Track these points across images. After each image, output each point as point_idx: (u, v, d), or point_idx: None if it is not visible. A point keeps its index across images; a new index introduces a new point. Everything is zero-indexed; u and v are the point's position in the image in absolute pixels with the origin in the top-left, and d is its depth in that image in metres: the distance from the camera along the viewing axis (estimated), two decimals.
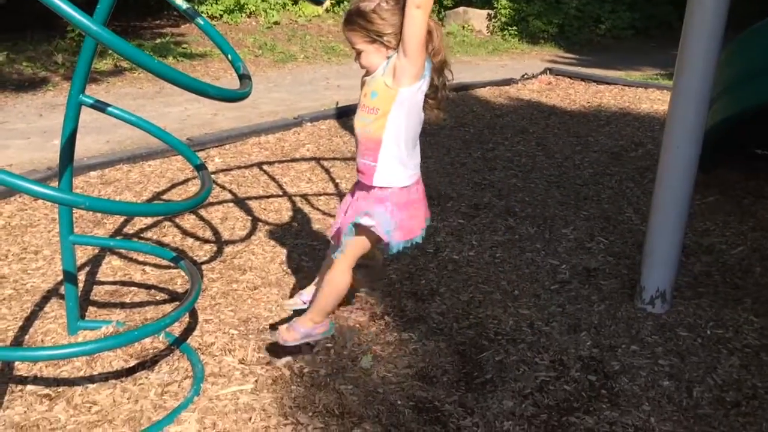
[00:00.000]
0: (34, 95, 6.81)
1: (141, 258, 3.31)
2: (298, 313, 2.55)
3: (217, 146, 5.17)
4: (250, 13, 11.54)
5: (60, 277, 3.03)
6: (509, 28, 13.80)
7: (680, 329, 2.84)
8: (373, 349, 2.61)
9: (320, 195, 4.30)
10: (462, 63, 10.35)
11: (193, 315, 2.81)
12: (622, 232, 3.85)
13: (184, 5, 2.23)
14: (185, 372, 2.44)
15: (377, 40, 2.09)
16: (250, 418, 2.20)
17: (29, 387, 2.32)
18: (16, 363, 2.43)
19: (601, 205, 4.28)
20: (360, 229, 2.26)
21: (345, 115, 6.20)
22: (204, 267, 3.27)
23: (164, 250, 2.84)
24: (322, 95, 7.43)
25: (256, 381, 2.39)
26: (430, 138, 5.28)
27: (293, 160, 4.97)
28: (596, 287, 3.18)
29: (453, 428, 2.20)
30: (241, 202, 4.11)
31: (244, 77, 2.02)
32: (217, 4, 11.19)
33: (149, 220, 3.77)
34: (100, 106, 2.35)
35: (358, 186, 2.31)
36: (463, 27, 13.76)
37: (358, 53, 2.15)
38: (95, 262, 3.29)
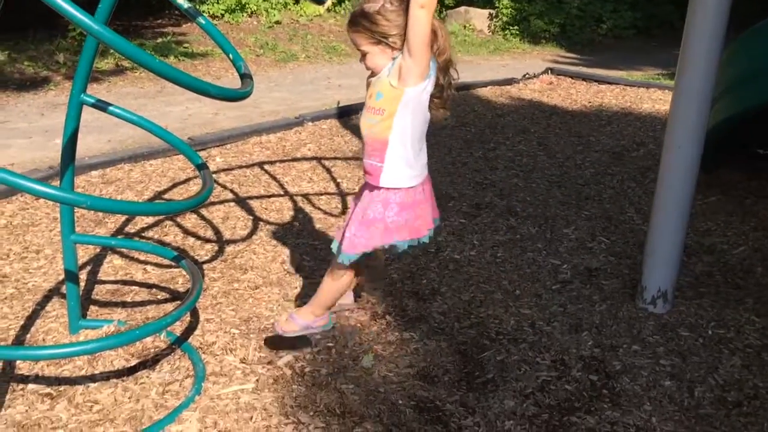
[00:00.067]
0: (35, 94, 6.82)
1: (142, 257, 3.31)
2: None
3: (218, 146, 5.17)
4: (252, 13, 11.54)
5: (61, 276, 3.03)
6: (511, 27, 13.79)
7: (682, 329, 2.84)
8: (374, 349, 2.61)
9: (321, 194, 4.30)
10: (463, 62, 10.35)
11: (195, 314, 2.81)
12: (624, 231, 3.85)
13: (186, 4, 2.23)
14: (186, 371, 2.44)
15: (382, 42, 2.09)
16: (251, 418, 2.20)
17: (31, 386, 2.32)
18: (18, 362, 2.44)
19: (603, 204, 4.27)
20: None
21: (346, 114, 6.21)
22: (205, 266, 3.27)
23: (165, 250, 2.84)
24: (324, 95, 7.43)
25: (257, 380, 2.39)
26: (431, 138, 5.22)
27: (294, 159, 4.97)
28: (598, 287, 3.18)
29: (454, 428, 2.20)
30: (242, 202, 4.11)
31: (245, 76, 2.02)
32: (218, 3, 11.18)
33: (150, 220, 3.77)
34: (101, 106, 2.35)
35: (365, 186, 2.30)
36: (465, 26, 13.76)
37: (364, 55, 2.15)
38: (97, 262, 3.29)
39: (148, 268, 3.24)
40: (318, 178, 4.59)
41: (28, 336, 2.65)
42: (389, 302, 2.95)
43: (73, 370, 2.41)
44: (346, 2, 13.05)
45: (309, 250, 3.48)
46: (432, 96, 2.16)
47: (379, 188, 2.21)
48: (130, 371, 2.42)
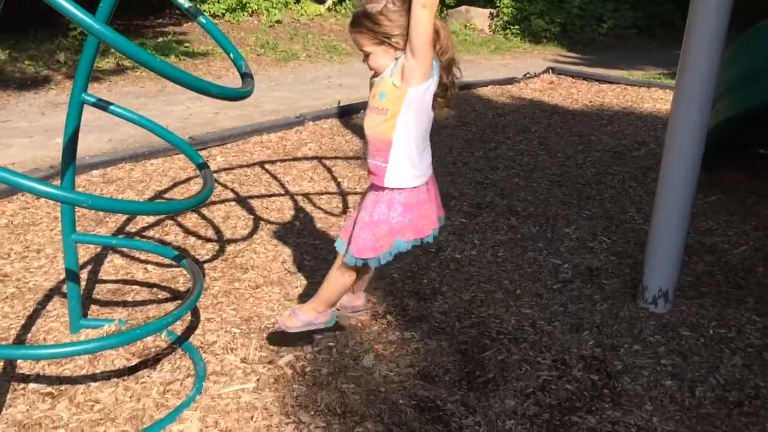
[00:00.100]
0: (36, 94, 6.82)
1: (143, 256, 3.31)
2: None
3: (219, 145, 5.17)
4: (252, 12, 11.54)
5: (62, 276, 3.03)
6: (511, 27, 13.78)
7: (683, 329, 2.83)
8: (375, 348, 2.61)
9: (322, 194, 4.30)
10: (464, 62, 10.23)
11: (195, 314, 2.81)
12: (625, 231, 3.85)
13: (187, 4, 2.23)
14: (187, 370, 2.44)
15: (385, 42, 2.09)
16: (252, 417, 2.20)
17: (32, 385, 2.33)
18: (19, 361, 2.44)
19: (604, 204, 4.27)
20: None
21: (347, 114, 6.21)
22: (206, 266, 3.27)
23: (166, 249, 2.85)
24: (324, 94, 7.43)
25: (257, 380, 2.39)
26: (432, 137, 5.24)
27: (295, 159, 4.97)
28: (599, 287, 3.18)
29: (455, 427, 2.20)
30: (243, 201, 4.11)
31: (245, 76, 2.02)
32: (219, 2, 11.19)
33: (151, 219, 3.77)
34: (102, 105, 2.35)
35: (370, 187, 2.30)
36: (466, 26, 13.76)
37: (367, 55, 2.15)
38: (97, 261, 3.29)
39: (149, 267, 3.25)
40: (319, 178, 4.59)
41: (29, 335, 2.66)
42: (390, 302, 2.95)
43: (74, 369, 2.41)
44: (347, 1, 13.05)
45: (310, 249, 3.48)
46: (436, 95, 2.16)
47: (383, 189, 2.20)
48: (131, 370, 2.42)
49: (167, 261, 3.10)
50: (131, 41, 1.55)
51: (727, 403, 2.37)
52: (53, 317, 2.77)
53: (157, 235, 3.61)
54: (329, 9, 12.82)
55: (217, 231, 3.69)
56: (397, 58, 2.10)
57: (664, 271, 2.92)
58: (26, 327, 2.70)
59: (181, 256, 2.64)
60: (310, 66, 9.55)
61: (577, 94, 7.68)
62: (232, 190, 4.28)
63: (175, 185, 4.34)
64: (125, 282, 3.11)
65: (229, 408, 2.24)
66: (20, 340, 2.62)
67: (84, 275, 3.09)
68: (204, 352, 2.55)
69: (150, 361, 2.48)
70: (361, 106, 6.28)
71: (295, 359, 2.51)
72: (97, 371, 2.41)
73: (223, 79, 8.04)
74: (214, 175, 4.40)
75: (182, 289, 3.05)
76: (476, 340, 2.70)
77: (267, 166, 4.76)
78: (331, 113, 6.19)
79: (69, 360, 2.44)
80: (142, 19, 10.65)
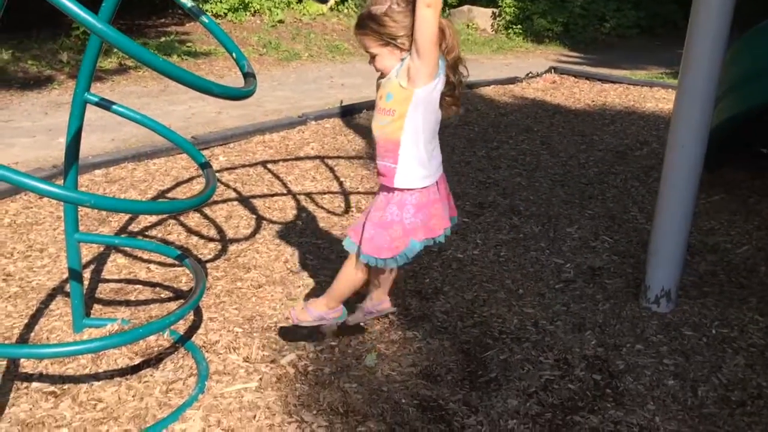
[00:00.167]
0: (39, 93, 6.83)
1: (146, 256, 3.32)
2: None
3: (221, 144, 5.18)
4: (255, 12, 11.55)
5: (65, 275, 3.04)
6: (514, 26, 13.78)
7: (685, 328, 2.83)
8: (377, 348, 2.61)
9: (324, 194, 4.30)
10: (466, 61, 10.31)
11: (198, 313, 2.81)
12: (627, 231, 3.85)
13: (189, 3, 2.23)
14: (190, 370, 2.44)
15: (390, 43, 2.09)
16: (255, 416, 2.20)
17: (35, 384, 2.33)
18: (22, 360, 2.44)
19: (606, 204, 4.27)
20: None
21: (349, 113, 6.21)
22: (208, 265, 3.27)
23: (169, 248, 2.85)
24: (327, 94, 7.43)
25: (260, 379, 2.39)
26: None
27: (297, 158, 4.98)
28: (601, 286, 3.18)
29: (457, 427, 2.20)
30: (245, 201, 4.12)
31: (248, 75, 2.02)
32: (221, 2, 11.19)
33: (154, 219, 3.78)
34: (105, 105, 2.35)
35: (381, 188, 2.30)
36: (468, 25, 13.75)
37: (373, 57, 2.15)
38: (100, 260, 3.30)
39: (152, 266, 3.25)
40: (321, 177, 4.59)
41: (32, 334, 2.66)
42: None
43: (77, 368, 2.42)
44: (349, 1, 13.05)
45: (312, 248, 3.48)
46: (443, 94, 2.16)
47: (394, 190, 2.21)
48: (134, 370, 2.43)
49: (170, 260, 3.10)
50: (134, 41, 1.55)
51: (730, 403, 2.37)
52: (56, 316, 2.78)
53: (159, 235, 3.62)
54: (331, 9, 12.82)
55: (220, 230, 3.69)
56: (403, 59, 2.10)
57: (667, 271, 2.92)
58: (29, 326, 2.71)
59: (183, 255, 2.65)
60: (313, 66, 9.56)
61: (579, 93, 7.68)
62: (235, 190, 4.28)
63: (178, 185, 4.34)
64: (128, 281, 3.11)
65: (232, 407, 2.24)
66: (23, 339, 2.62)
67: (87, 274, 3.10)
68: (206, 351, 2.55)
69: (153, 361, 2.49)
70: (364, 106, 6.28)
71: (298, 358, 2.52)
72: (100, 370, 2.41)
73: (225, 78, 8.05)
74: (217, 174, 4.41)
75: (185, 288, 3.06)
76: (478, 340, 2.70)
77: (269, 165, 4.77)
78: (333, 113, 6.19)
79: (72, 359, 2.44)
80: (145, 19, 10.67)
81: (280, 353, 2.55)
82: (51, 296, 2.94)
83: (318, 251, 3.45)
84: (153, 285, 3.09)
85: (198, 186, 4.32)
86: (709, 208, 4.16)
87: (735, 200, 4.30)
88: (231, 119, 6.06)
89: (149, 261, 3.29)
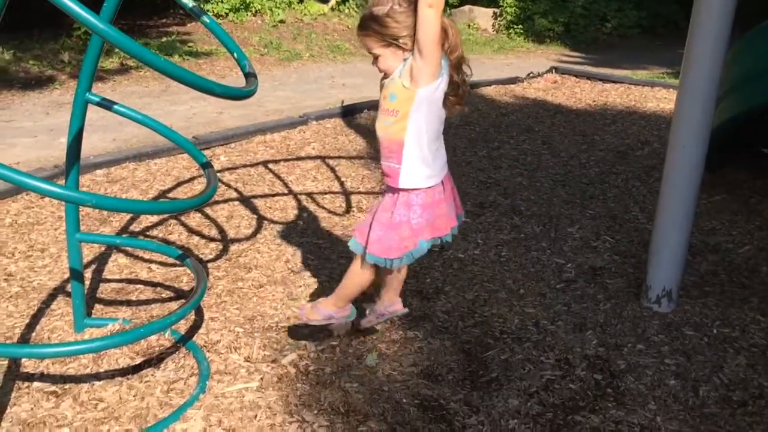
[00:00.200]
0: (40, 93, 6.84)
1: (147, 256, 3.32)
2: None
3: (222, 144, 5.18)
4: (256, 12, 11.54)
5: (66, 275, 3.04)
6: (515, 26, 13.77)
7: (686, 328, 2.83)
8: (378, 348, 2.61)
9: (325, 194, 4.30)
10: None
11: (199, 313, 2.81)
12: (628, 230, 3.84)
13: (190, 3, 2.23)
14: (191, 369, 2.44)
15: (393, 44, 2.08)
16: (256, 416, 2.20)
17: (36, 384, 2.33)
18: (23, 360, 2.45)
19: (607, 203, 4.27)
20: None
21: (350, 113, 6.21)
22: (210, 265, 3.28)
23: (170, 248, 2.85)
24: (328, 94, 7.43)
25: (261, 379, 2.39)
26: None
27: (299, 158, 4.98)
28: (602, 286, 3.18)
29: (458, 426, 2.20)
30: (246, 201, 4.12)
31: (249, 75, 2.02)
32: (223, 2, 11.19)
33: (155, 218, 3.78)
34: (106, 104, 2.35)
35: (386, 189, 2.30)
36: (469, 25, 13.74)
37: (375, 58, 2.15)
38: (101, 260, 3.30)
39: (153, 266, 3.25)
40: (322, 177, 4.59)
41: (34, 334, 2.66)
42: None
43: (78, 368, 2.42)
44: (350, 1, 13.05)
45: (313, 248, 3.48)
46: (447, 94, 2.16)
47: (399, 190, 2.21)
48: (135, 369, 2.43)
49: (171, 260, 3.10)
50: (135, 41, 1.55)
51: (731, 403, 2.37)
52: (57, 316, 2.78)
53: (160, 235, 3.62)
54: (333, 9, 12.82)
55: (221, 230, 3.69)
56: (405, 59, 2.10)
57: (668, 271, 2.92)
58: (31, 326, 2.71)
59: (184, 255, 2.65)
60: (314, 66, 9.56)
61: (580, 93, 7.67)
62: (236, 190, 4.28)
63: (179, 185, 4.35)
64: (129, 281, 3.12)
65: (233, 407, 2.24)
66: (25, 339, 2.63)
67: (88, 274, 3.10)
68: (208, 351, 2.56)
69: (154, 360, 2.49)
70: (365, 106, 6.28)
71: (299, 358, 2.52)
72: (101, 370, 2.41)
73: (226, 78, 8.05)
74: (218, 174, 4.41)
75: (186, 288, 3.06)
76: (479, 340, 2.70)
77: (270, 165, 4.77)
78: (334, 113, 6.19)
79: (73, 359, 2.45)
80: (146, 19, 10.67)
81: (281, 353, 2.55)
82: (52, 296, 2.94)
83: (319, 251, 3.45)
84: (154, 285, 3.09)
85: (199, 186, 4.32)
86: (711, 208, 4.16)
87: (736, 200, 4.30)
88: (232, 119, 6.06)
89: (150, 261, 3.29)
